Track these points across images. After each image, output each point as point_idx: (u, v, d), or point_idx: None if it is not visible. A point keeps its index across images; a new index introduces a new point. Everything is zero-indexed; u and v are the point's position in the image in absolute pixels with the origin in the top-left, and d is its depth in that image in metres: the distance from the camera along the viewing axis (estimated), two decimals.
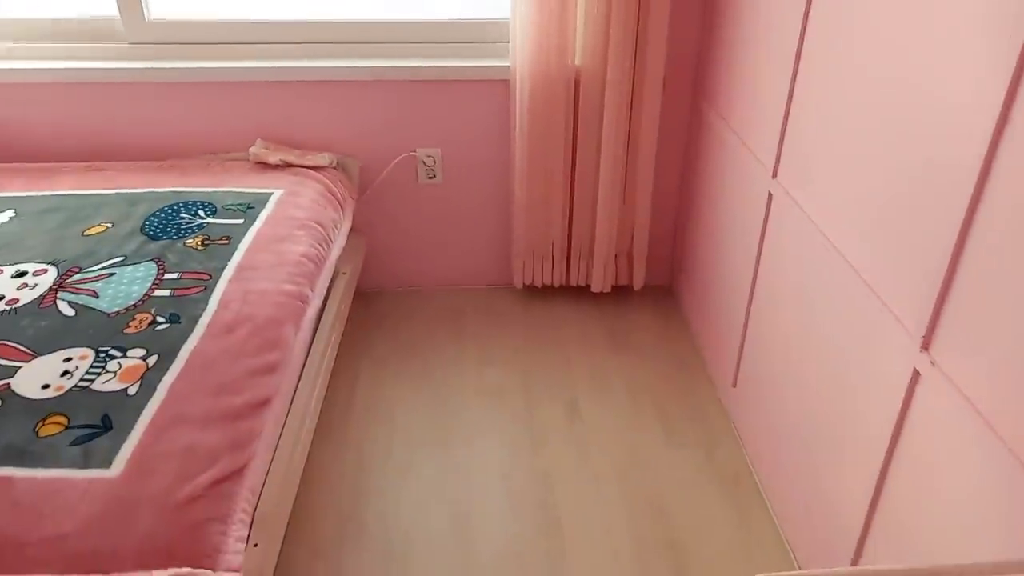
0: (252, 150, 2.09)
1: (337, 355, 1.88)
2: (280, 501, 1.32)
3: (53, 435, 1.17)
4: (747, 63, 1.72)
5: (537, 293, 2.37)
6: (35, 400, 1.23)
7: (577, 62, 1.99)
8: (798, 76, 1.45)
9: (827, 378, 1.35)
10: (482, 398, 1.98)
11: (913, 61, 1.08)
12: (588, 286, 2.30)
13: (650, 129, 2.05)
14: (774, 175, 1.56)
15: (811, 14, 1.39)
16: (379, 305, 2.34)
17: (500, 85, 2.11)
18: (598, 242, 2.18)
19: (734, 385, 1.84)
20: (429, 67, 2.07)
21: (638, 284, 2.29)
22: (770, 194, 1.58)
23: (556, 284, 2.30)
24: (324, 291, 1.75)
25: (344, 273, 2.03)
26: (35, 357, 1.33)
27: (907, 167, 1.10)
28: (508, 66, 2.06)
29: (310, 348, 1.66)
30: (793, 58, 1.45)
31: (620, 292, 2.33)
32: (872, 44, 1.19)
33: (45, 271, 1.58)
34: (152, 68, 2.05)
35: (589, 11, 1.90)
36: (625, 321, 2.26)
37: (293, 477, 1.41)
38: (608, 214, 2.14)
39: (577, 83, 2.01)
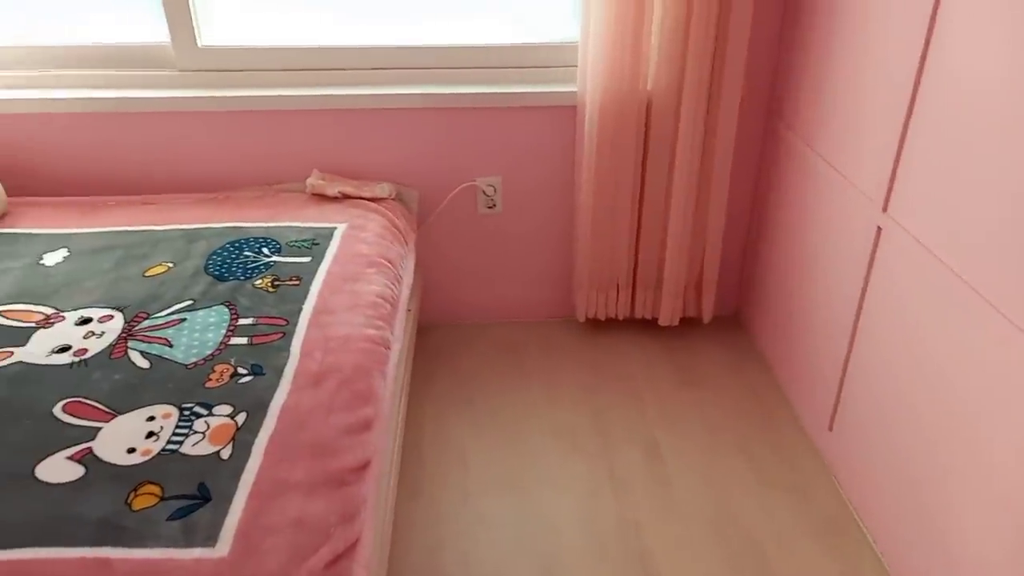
0: (309, 181, 2.01)
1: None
2: (379, 571, 1.22)
3: (148, 507, 1.07)
4: (841, 87, 1.65)
5: (600, 326, 2.28)
6: (122, 466, 1.14)
7: (649, 86, 1.91)
8: (916, 105, 1.37)
9: (953, 424, 1.26)
10: (555, 440, 1.88)
11: None
12: (654, 319, 2.21)
13: (724, 156, 1.98)
14: (884, 208, 1.48)
15: (933, 37, 1.31)
16: (437, 339, 2.24)
17: (564, 111, 2.03)
18: (667, 273, 2.10)
19: (830, 428, 1.75)
20: (489, 93, 2.00)
21: (707, 317, 2.20)
22: (879, 228, 1.50)
23: (620, 317, 2.21)
24: (402, 334, 1.66)
25: (409, 310, 1.94)
26: (115, 416, 1.23)
27: None
28: (573, 91, 1.98)
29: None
30: (911, 86, 1.37)
31: (687, 324, 2.24)
32: (1009, 65, 1.11)
33: (111, 317, 1.48)
34: (203, 97, 1.97)
35: (664, 34, 1.82)
36: (694, 355, 2.17)
37: (387, 541, 1.32)
38: (678, 244, 2.06)
39: (649, 108, 1.94)
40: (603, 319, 2.23)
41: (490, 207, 2.16)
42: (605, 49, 1.85)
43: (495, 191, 2.14)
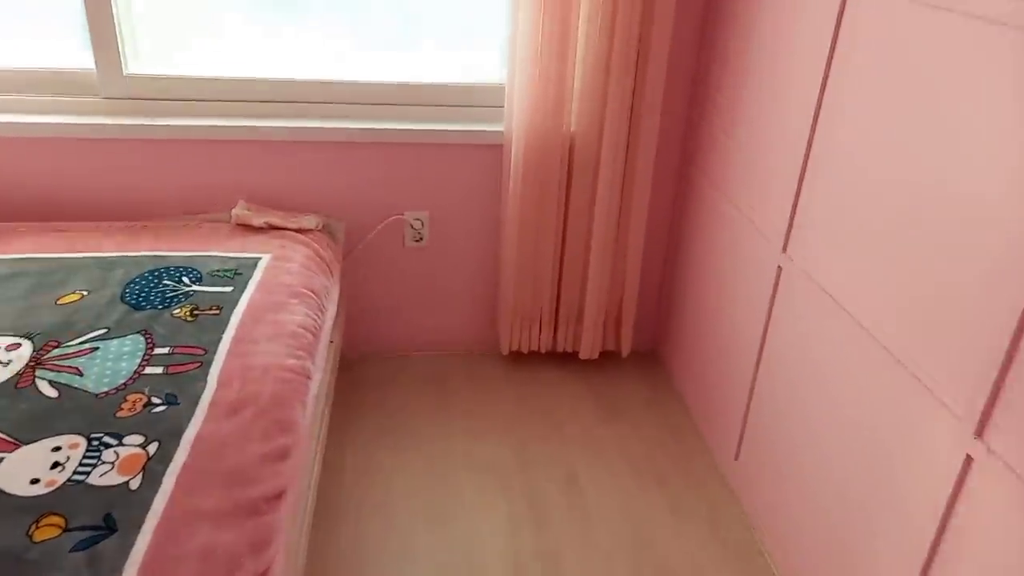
0: (235, 211, 2.00)
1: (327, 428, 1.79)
2: None
3: (50, 539, 1.04)
4: (747, 135, 1.76)
5: (523, 359, 2.32)
6: (24, 497, 1.10)
7: (572, 127, 2.00)
8: (812, 149, 1.48)
9: (857, 458, 1.35)
10: (477, 472, 1.91)
11: (948, 136, 1.11)
12: (575, 352, 2.27)
13: (642, 195, 2.07)
14: (784, 249, 1.58)
15: (828, 86, 1.43)
16: (362, 371, 2.25)
17: (491, 149, 2.10)
18: (588, 308, 2.17)
19: (736, 458, 1.83)
20: (419, 130, 2.05)
21: (625, 350, 2.28)
22: (780, 268, 1.60)
23: (543, 350, 2.27)
24: (323, 364, 1.66)
25: (331, 341, 1.94)
26: (19, 447, 1.20)
27: (948, 247, 1.12)
28: (500, 130, 2.05)
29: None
30: (807, 132, 1.48)
31: (606, 358, 2.31)
32: (900, 117, 1.22)
33: (18, 345, 1.44)
34: (127, 124, 1.95)
35: (586, 74, 1.91)
36: (614, 388, 2.24)
37: (299, 572, 1.31)
38: (599, 280, 2.13)
39: (571, 148, 2.02)
40: (526, 352, 2.27)
41: (417, 240, 2.19)
42: (529, 89, 1.92)
43: (423, 225, 2.18)
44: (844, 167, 1.37)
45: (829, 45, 1.40)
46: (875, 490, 1.29)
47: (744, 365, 1.77)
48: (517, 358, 2.32)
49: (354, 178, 2.09)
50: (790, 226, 1.56)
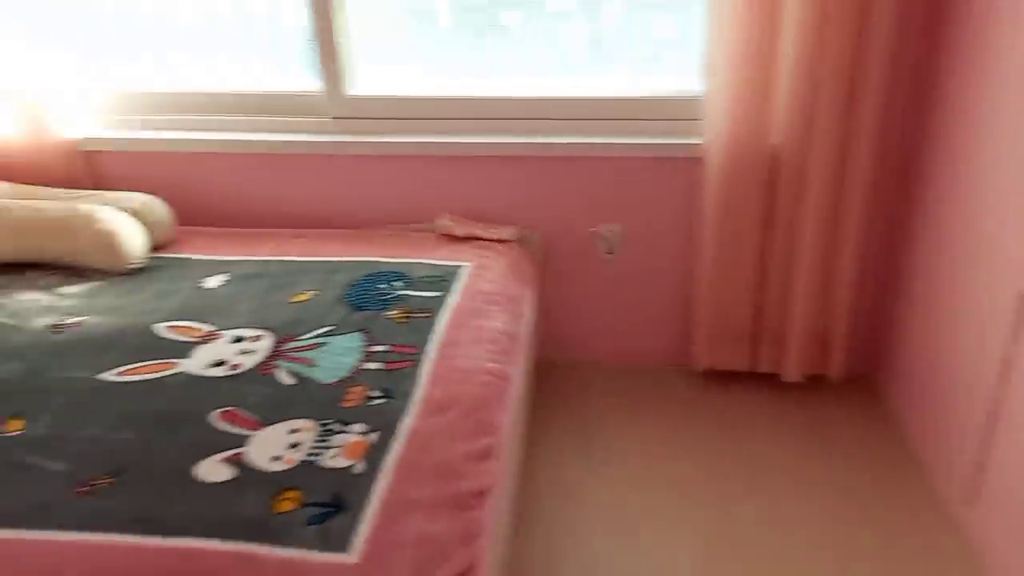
0: (439, 222, 2.13)
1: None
2: None
3: (289, 511, 1.17)
4: (986, 143, 1.60)
5: (719, 377, 2.25)
6: (269, 472, 1.25)
7: (777, 140, 1.92)
8: None
9: None
10: (671, 490, 1.87)
11: None
12: (777, 374, 2.17)
13: (856, 209, 1.93)
14: None
15: None
16: (555, 378, 2.29)
17: (687, 162, 2.07)
18: (791, 328, 2.06)
19: (968, 502, 1.65)
20: (615, 143, 2.06)
21: (835, 374, 2.13)
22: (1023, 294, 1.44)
23: (741, 369, 2.19)
24: (522, 369, 1.72)
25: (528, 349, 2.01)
26: (263, 427, 1.36)
27: None
28: (698, 143, 2.02)
29: None
30: None
31: (813, 381, 2.17)
32: None
33: (261, 337, 1.63)
34: (349, 142, 2.14)
35: (794, 84, 1.83)
36: (820, 414, 2.11)
37: (499, 570, 1.36)
38: (804, 299, 2.02)
39: (777, 160, 1.94)
40: (722, 370, 2.21)
41: (610, 252, 2.21)
42: (729, 99, 1.88)
43: (616, 237, 2.19)
44: None
45: None
46: None
47: (980, 401, 1.60)
48: (713, 376, 2.26)
49: (550, 191, 2.15)
50: None
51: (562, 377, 2.30)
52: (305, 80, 2.17)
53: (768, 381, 2.19)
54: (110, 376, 1.49)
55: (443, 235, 2.13)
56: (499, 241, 2.10)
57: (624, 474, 1.93)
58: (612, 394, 2.22)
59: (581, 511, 1.82)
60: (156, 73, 2.24)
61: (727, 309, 2.11)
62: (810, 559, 1.67)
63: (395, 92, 2.17)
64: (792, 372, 2.12)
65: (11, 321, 1.68)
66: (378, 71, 2.17)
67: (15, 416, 1.37)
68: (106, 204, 2.01)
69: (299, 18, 2.10)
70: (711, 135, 1.94)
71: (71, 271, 1.92)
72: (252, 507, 1.17)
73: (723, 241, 2.02)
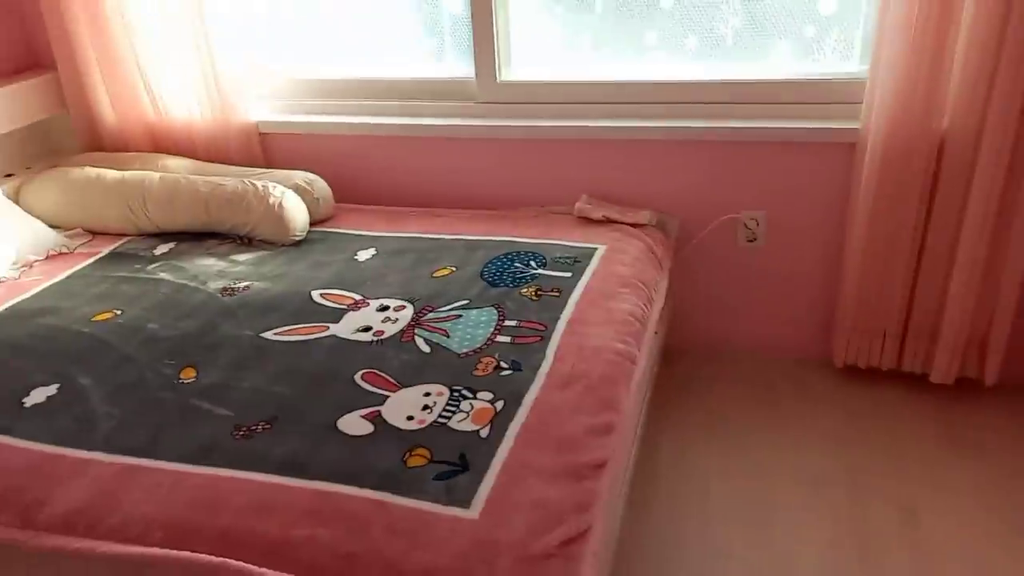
0: (577, 205, 2.16)
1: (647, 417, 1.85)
2: (602, 572, 1.30)
3: (419, 467, 1.26)
4: None
5: (859, 375, 2.14)
6: (403, 430, 1.34)
7: (945, 124, 1.79)
8: None
9: None
10: (802, 486, 1.81)
11: None
12: (924, 374, 2.03)
13: None
14: None
15: None
16: (683, 366, 2.27)
17: (839, 148, 1.97)
18: (945, 327, 1.92)
19: None
20: (758, 128, 2.00)
21: (990, 379, 1.97)
22: None
23: (884, 367, 2.07)
24: (648, 351, 1.73)
25: (656, 332, 2.00)
26: (400, 388, 1.46)
27: None
28: (850, 128, 1.92)
29: None
30: None
31: (964, 385, 2.02)
32: None
33: (404, 307, 1.74)
34: (495, 125, 2.22)
35: (967, 67, 1.69)
36: (971, 420, 1.96)
37: (611, 547, 1.39)
38: (962, 298, 1.88)
39: (941, 148, 1.81)
40: (863, 367, 2.09)
41: (751, 240, 2.15)
42: (894, 85, 1.77)
43: (758, 225, 2.13)
44: None
45: None
46: None
47: None
48: (852, 372, 2.15)
49: (691, 176, 2.12)
50: None
51: (695, 364, 2.27)
52: (457, 66, 2.27)
53: (914, 381, 2.07)
54: (271, 335, 1.65)
55: (580, 218, 2.16)
56: (635, 225, 2.10)
57: (753, 464, 1.89)
58: (744, 384, 2.17)
59: (706, 498, 1.80)
60: (320, 61, 2.42)
61: (875, 304, 1.99)
62: (945, 566, 1.57)
63: (541, 78, 2.22)
64: (942, 374, 1.98)
65: (191, 283, 1.90)
66: (529, 57, 2.23)
67: (189, 366, 1.56)
68: (276, 181, 2.21)
69: (456, 5, 2.20)
70: (870, 118, 1.84)
71: (243, 241, 2.13)
72: (386, 460, 1.27)
73: (877, 232, 1.91)
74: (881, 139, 1.82)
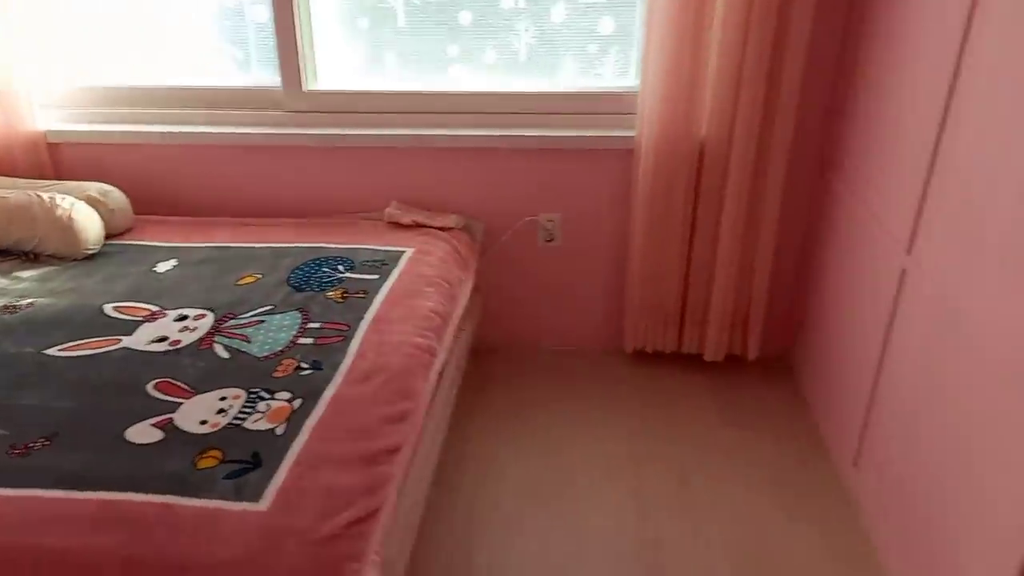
0: (387, 211, 2.23)
1: (454, 407, 1.95)
2: (402, 547, 1.37)
3: (210, 468, 1.27)
4: (883, 136, 1.71)
5: (647, 359, 2.37)
6: (194, 434, 1.34)
7: (703, 132, 2.03)
8: (940, 148, 1.43)
9: (970, 469, 1.29)
10: (591, 461, 1.99)
11: None
12: (700, 354, 2.28)
13: (773, 199, 2.06)
14: (908, 251, 1.53)
15: (959, 80, 1.38)
16: (492, 362, 2.40)
17: (622, 154, 2.18)
18: (713, 310, 2.18)
19: (855, 464, 1.77)
20: (553, 136, 2.17)
21: (752, 354, 2.25)
22: (903, 271, 1.55)
23: (667, 351, 2.30)
24: (449, 345, 1.82)
25: (463, 330, 2.11)
26: (194, 395, 1.45)
27: None
28: (631, 135, 2.12)
29: (432, 399, 1.72)
30: (935, 132, 1.44)
31: (733, 362, 2.30)
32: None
33: (204, 316, 1.73)
34: (304, 134, 2.24)
35: (718, 83, 1.94)
36: (737, 392, 2.23)
37: (413, 523, 1.46)
38: (725, 282, 2.14)
39: (702, 152, 2.05)
40: (650, 351, 2.32)
41: (549, 240, 2.31)
42: (661, 97, 1.99)
43: (555, 226, 2.29)
44: (977, 162, 1.32)
45: (963, 24, 1.35)
46: (980, 513, 1.22)
47: (865, 371, 1.71)
48: (641, 357, 2.37)
49: (493, 182, 2.26)
50: (915, 225, 1.51)
51: (501, 360, 2.40)
52: (263, 76, 2.27)
53: (692, 362, 2.31)
54: (55, 352, 1.58)
55: (390, 223, 2.23)
56: (443, 229, 2.20)
57: (544, 446, 2.04)
58: (545, 374, 2.34)
59: (504, 482, 1.93)
60: (116, 68, 2.33)
61: (655, 294, 2.22)
62: (713, 516, 1.79)
63: (347, 87, 2.27)
64: (713, 353, 2.23)
65: None
66: (334, 67, 2.27)
67: None
68: (67, 193, 2.10)
69: (259, 14, 2.20)
70: (643, 127, 2.05)
71: (28, 257, 2.01)
72: (175, 464, 1.27)
73: (651, 229, 2.13)
74: (652, 145, 2.04)
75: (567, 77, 2.23)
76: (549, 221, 2.29)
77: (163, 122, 2.31)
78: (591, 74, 2.22)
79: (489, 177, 2.26)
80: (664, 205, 2.10)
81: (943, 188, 1.41)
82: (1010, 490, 1.17)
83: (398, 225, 2.22)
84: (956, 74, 1.38)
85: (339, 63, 2.28)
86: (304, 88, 2.26)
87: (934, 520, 1.40)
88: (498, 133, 2.19)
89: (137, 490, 1.22)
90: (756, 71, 1.90)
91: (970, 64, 1.33)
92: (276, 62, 2.22)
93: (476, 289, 2.27)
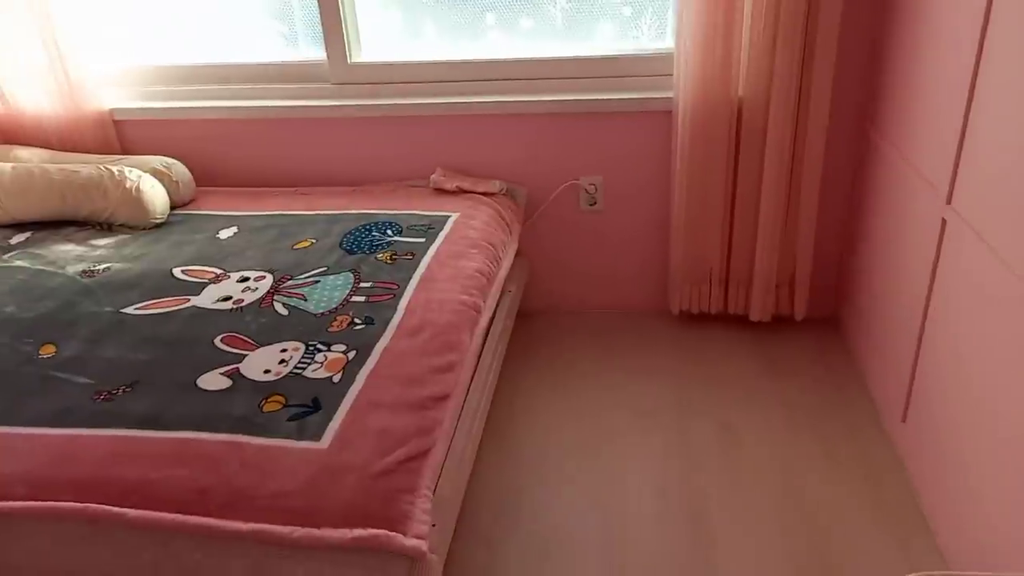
0: (432, 177, 2.31)
1: (502, 366, 2.02)
2: (454, 487, 1.46)
3: (274, 411, 1.37)
4: (919, 86, 1.71)
5: (693, 320, 2.40)
6: (259, 382, 1.45)
7: (740, 92, 2.04)
8: (976, 93, 1.43)
9: (1001, 421, 1.31)
10: (636, 416, 2.04)
11: None
12: (746, 315, 2.31)
13: (814, 157, 2.06)
14: (948, 200, 1.54)
15: (990, 28, 1.38)
16: (539, 325, 2.46)
17: (661, 116, 2.20)
18: (757, 270, 2.19)
19: (903, 420, 1.79)
20: (593, 100, 2.20)
21: (799, 314, 2.27)
22: (944, 220, 1.55)
23: (713, 311, 2.33)
24: (494, 304, 1.90)
25: (510, 291, 2.17)
26: (258, 348, 1.56)
27: None
28: (670, 96, 2.15)
29: (480, 355, 1.80)
30: (970, 77, 1.43)
31: (780, 322, 2.31)
32: None
33: (264, 277, 1.84)
34: (350, 105, 2.32)
35: (754, 42, 1.95)
36: (784, 350, 2.25)
37: (465, 468, 1.55)
38: (768, 242, 2.15)
39: (740, 112, 2.06)
40: (696, 313, 2.35)
41: (591, 204, 2.36)
42: (697, 58, 2.00)
43: (596, 190, 2.34)
44: (1013, 106, 1.31)
45: None
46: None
47: (911, 325, 1.72)
48: (687, 318, 2.41)
49: (535, 147, 2.31)
50: (954, 175, 1.51)
51: (548, 323, 2.47)
52: (309, 50, 2.36)
53: (739, 322, 2.34)
54: (131, 310, 1.71)
55: (435, 189, 2.31)
56: (486, 194, 2.27)
57: (591, 402, 2.10)
58: (592, 336, 2.39)
59: (551, 435, 2.00)
60: (175, 47, 2.44)
61: (698, 255, 2.24)
62: (758, 467, 1.83)
63: (389, 59, 2.34)
64: (758, 313, 2.25)
65: (48, 268, 1.92)
66: (376, 40, 2.35)
67: (48, 343, 1.60)
68: (133, 167, 2.23)
69: None
70: (680, 89, 2.07)
71: (102, 227, 2.15)
72: (242, 408, 1.38)
73: (692, 190, 2.16)
74: (690, 107, 2.06)
75: (603, 41, 2.25)
76: (591, 185, 2.33)
77: (217, 98, 2.42)
78: (628, 37, 2.24)
79: (530, 142, 2.31)
80: (704, 166, 2.12)
81: (980, 134, 1.41)
82: None
83: (443, 191, 2.30)
84: (988, 15, 1.37)
85: (381, 35, 2.35)
86: (348, 61, 2.34)
87: (983, 474, 1.42)
88: (537, 98, 2.24)
89: (209, 430, 1.33)
90: (791, 29, 1.90)
91: (1001, 5, 1.33)
92: (322, 37, 2.30)
93: (521, 254, 2.33)
